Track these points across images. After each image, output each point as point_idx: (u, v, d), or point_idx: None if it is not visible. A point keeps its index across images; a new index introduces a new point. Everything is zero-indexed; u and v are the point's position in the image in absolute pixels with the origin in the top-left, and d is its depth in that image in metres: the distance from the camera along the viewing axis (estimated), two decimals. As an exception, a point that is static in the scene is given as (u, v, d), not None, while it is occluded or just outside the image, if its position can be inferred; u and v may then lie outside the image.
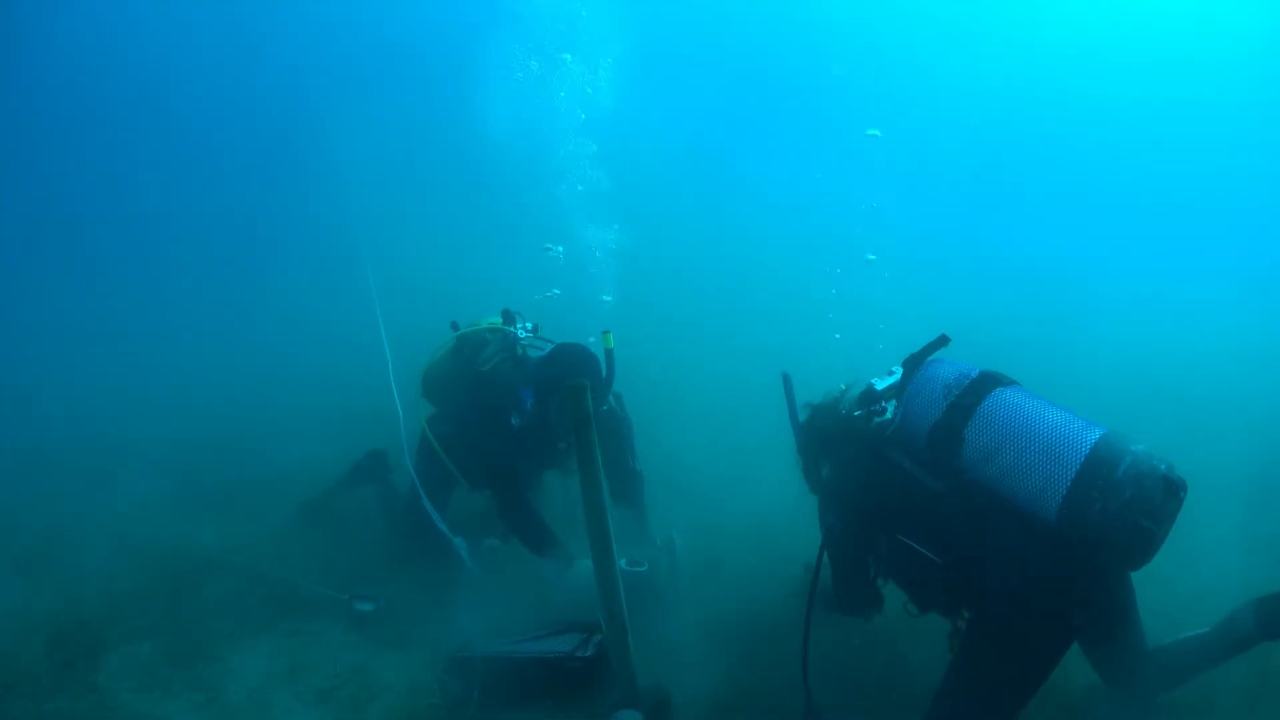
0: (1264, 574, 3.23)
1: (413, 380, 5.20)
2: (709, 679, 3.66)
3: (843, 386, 3.66)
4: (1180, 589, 3.50)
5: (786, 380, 3.82)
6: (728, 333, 9.10)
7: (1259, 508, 4.32)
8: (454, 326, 5.26)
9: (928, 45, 16.41)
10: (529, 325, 5.25)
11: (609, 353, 4.71)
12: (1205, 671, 3.21)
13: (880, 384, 3.35)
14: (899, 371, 3.34)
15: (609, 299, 6.50)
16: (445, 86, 12.69)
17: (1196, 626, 3.22)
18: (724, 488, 5.55)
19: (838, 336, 4.11)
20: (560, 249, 7.09)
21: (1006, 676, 2.85)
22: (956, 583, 3.02)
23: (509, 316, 5.24)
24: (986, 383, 3.04)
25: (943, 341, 3.34)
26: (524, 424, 4.77)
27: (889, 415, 3.25)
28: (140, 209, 13.83)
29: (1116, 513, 2.61)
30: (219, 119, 14.88)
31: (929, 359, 3.28)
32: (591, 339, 4.90)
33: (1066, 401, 3.01)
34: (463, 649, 3.78)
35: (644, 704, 3.35)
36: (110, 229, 13.43)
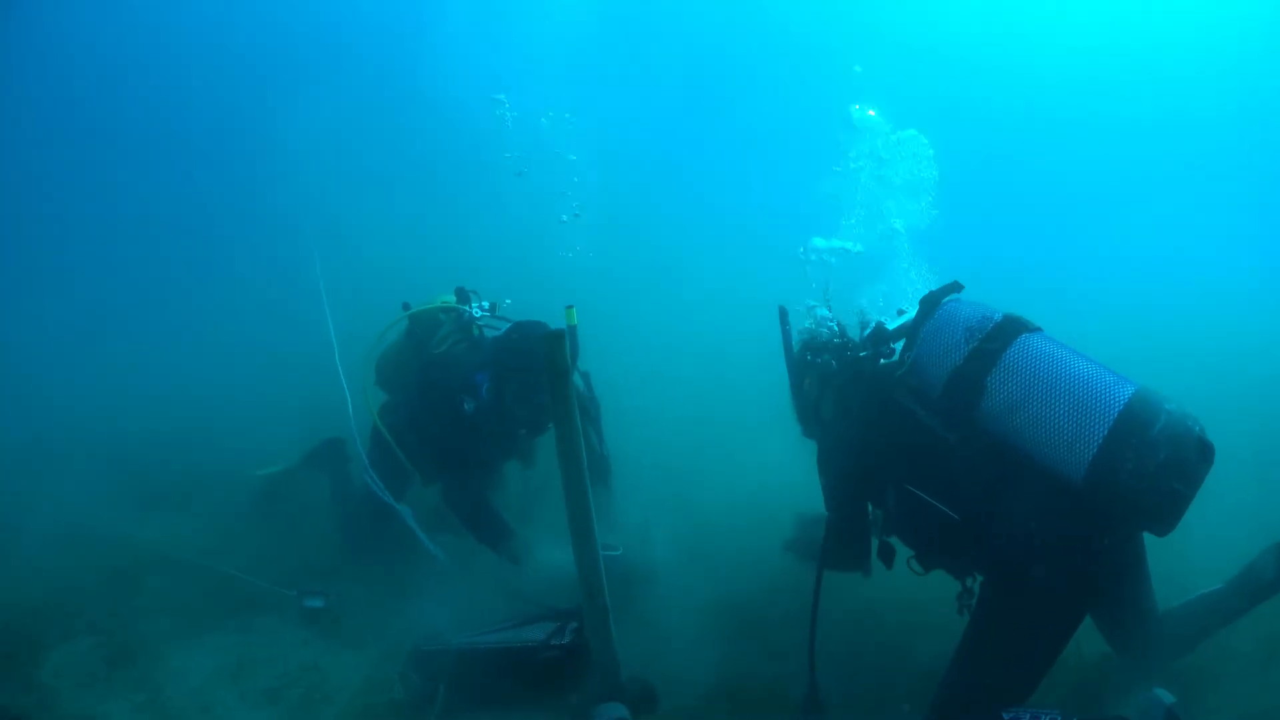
0: (1270, 535, 3.12)
1: (366, 367, 4.93)
2: (694, 669, 3.47)
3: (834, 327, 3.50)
4: (1186, 552, 3.39)
5: (783, 314, 3.60)
6: (706, 319, 8.88)
7: (1265, 475, 4.27)
8: (405, 307, 4.99)
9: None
10: (485, 304, 4.98)
11: (572, 330, 4.42)
12: (1219, 630, 3.10)
13: (891, 324, 3.16)
14: (910, 311, 3.14)
15: (580, 214, 6.22)
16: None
17: (1206, 586, 3.13)
18: (703, 474, 5.34)
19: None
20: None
21: (1024, 642, 2.68)
22: (968, 540, 2.83)
23: (464, 295, 4.95)
24: (1012, 327, 2.83)
25: (956, 287, 3.15)
26: (478, 409, 4.50)
27: (896, 357, 3.06)
28: (75, 198, 13.18)
29: (1151, 474, 2.45)
30: (148, 94, 14.20)
31: (946, 299, 3.07)
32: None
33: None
34: (427, 641, 3.53)
35: (627, 696, 3.11)
36: (47, 218, 12.78)
